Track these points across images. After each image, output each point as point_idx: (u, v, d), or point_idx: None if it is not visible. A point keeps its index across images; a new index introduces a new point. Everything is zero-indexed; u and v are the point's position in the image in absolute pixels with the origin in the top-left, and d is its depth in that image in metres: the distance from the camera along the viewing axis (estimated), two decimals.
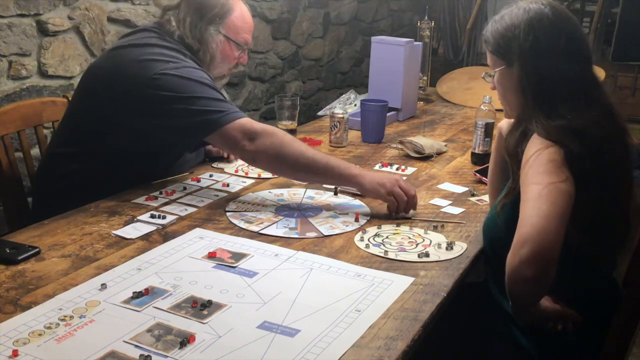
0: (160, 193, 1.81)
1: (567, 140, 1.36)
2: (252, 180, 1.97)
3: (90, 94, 1.85)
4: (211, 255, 1.45)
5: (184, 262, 1.43)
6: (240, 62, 2.01)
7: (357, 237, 1.58)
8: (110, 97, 1.78)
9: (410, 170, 2.12)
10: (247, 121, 1.75)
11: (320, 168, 1.73)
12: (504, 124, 1.59)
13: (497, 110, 2.09)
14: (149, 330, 1.15)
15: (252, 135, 1.73)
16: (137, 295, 1.26)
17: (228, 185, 1.91)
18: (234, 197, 1.82)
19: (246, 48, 2.00)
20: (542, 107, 1.42)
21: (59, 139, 1.92)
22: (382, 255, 1.49)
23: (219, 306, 1.24)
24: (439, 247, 1.54)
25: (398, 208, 1.69)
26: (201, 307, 1.23)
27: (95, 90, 1.83)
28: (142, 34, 1.90)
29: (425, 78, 3.16)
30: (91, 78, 1.87)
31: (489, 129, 2.15)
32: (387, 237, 1.58)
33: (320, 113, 3.21)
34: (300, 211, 1.73)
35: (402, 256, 1.48)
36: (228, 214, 1.70)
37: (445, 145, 2.37)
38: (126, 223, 1.61)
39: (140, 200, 1.76)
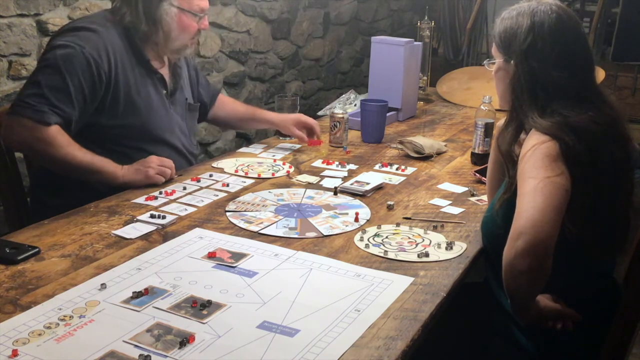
0: (160, 193, 1.81)
1: (564, 134, 1.36)
2: (252, 180, 1.97)
3: None
4: (211, 255, 1.45)
5: (184, 262, 1.43)
6: (201, 28, 1.99)
7: (356, 237, 1.58)
8: None
9: (410, 170, 2.12)
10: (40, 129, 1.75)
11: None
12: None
13: (497, 110, 2.09)
14: (148, 330, 1.15)
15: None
16: (137, 295, 1.27)
17: (228, 185, 1.91)
18: (233, 197, 1.82)
19: (203, 14, 1.98)
20: (536, 105, 1.43)
21: None
22: (381, 255, 1.49)
23: (218, 306, 1.24)
24: (439, 247, 1.54)
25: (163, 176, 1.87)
26: (201, 307, 1.23)
27: None
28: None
29: (425, 78, 3.16)
30: None
31: (488, 129, 2.15)
32: (386, 237, 1.58)
33: (320, 113, 3.22)
34: (300, 211, 1.73)
35: (402, 256, 1.48)
36: (228, 214, 1.70)
37: (445, 145, 2.37)
38: (126, 223, 1.61)
39: (140, 200, 1.76)
